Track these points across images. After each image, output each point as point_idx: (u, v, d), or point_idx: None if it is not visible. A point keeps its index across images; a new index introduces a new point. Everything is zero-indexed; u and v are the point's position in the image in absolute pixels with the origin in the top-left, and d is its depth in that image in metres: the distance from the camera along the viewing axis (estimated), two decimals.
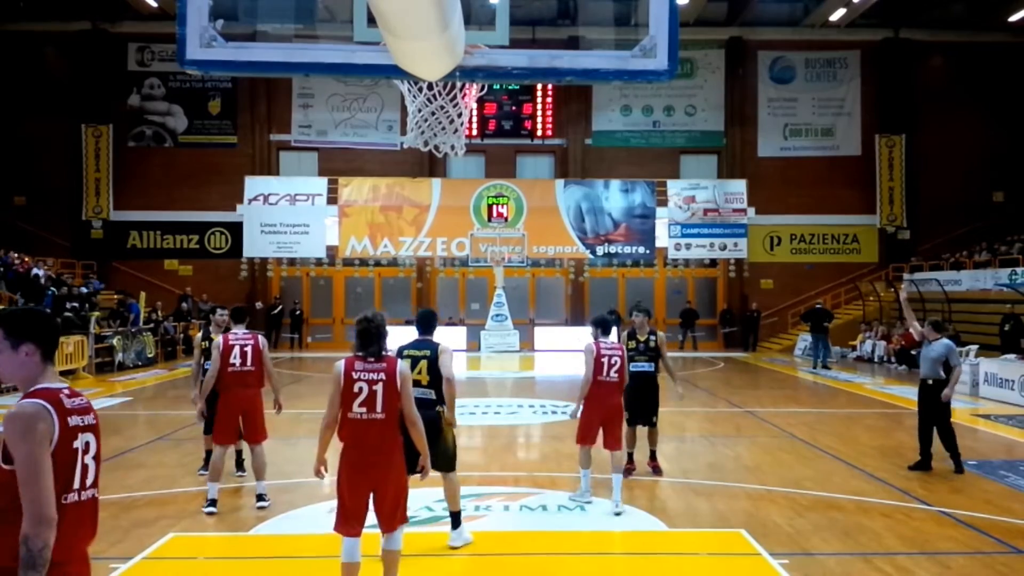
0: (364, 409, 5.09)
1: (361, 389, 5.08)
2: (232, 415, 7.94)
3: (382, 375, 5.12)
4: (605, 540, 7.25)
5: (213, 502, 7.73)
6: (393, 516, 5.22)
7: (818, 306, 24.40)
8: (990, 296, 23.28)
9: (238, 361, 7.93)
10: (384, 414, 5.12)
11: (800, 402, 16.80)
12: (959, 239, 29.31)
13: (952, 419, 10.05)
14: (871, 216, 30.94)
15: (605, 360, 8.06)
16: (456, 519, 6.73)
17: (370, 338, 5.17)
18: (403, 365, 5.28)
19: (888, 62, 30.73)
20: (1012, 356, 17.12)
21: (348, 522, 5.25)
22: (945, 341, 9.88)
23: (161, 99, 30.72)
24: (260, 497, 7.98)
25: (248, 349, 8.00)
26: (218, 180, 29.95)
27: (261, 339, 8.27)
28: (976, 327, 22.75)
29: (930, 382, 9.81)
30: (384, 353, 5.23)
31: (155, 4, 28.30)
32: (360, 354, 5.18)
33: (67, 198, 29.76)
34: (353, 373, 5.11)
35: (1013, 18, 28.86)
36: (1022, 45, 29.05)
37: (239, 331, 8.22)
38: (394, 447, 5.21)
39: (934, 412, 9.77)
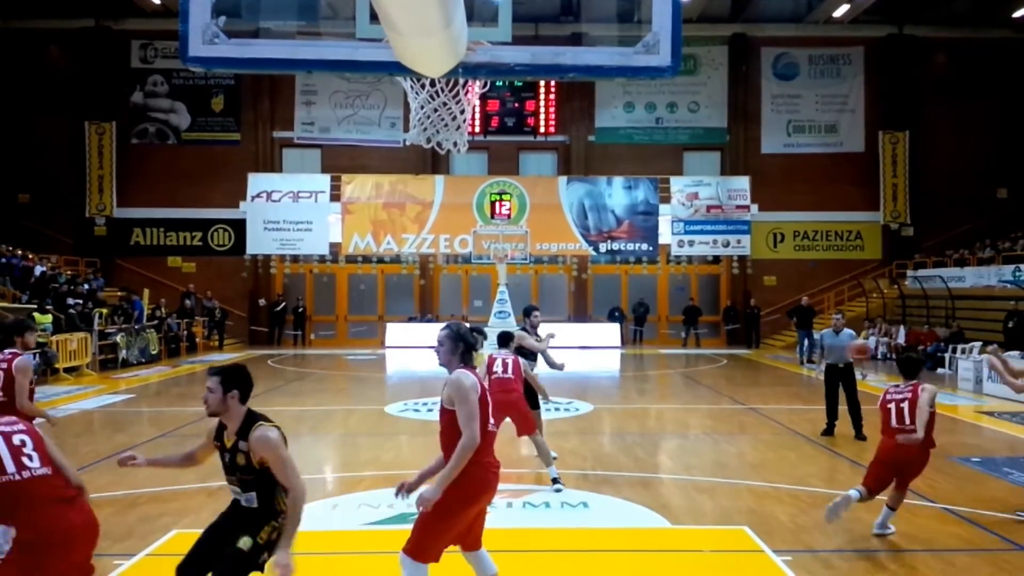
0: None
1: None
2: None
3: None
4: (608, 537, 7.25)
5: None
6: None
7: (804, 302, 24.53)
8: (994, 293, 23.23)
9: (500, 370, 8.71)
10: None
11: (803, 399, 16.75)
12: (963, 235, 29.26)
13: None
14: (874, 213, 30.88)
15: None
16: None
17: None
18: None
19: (891, 58, 30.66)
20: (1016, 353, 17.06)
21: None
22: (849, 331, 12.07)
23: (164, 96, 30.74)
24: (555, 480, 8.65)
25: (509, 361, 8.81)
26: (221, 177, 29.96)
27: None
28: (980, 324, 22.72)
29: (841, 366, 11.84)
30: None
31: (158, 1, 28.30)
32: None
33: (71, 195, 29.78)
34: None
35: (1017, 14, 28.77)
36: None
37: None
38: None
39: (849, 389, 11.79)
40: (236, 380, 4.49)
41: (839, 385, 11.92)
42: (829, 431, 11.95)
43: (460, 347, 4.92)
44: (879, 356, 24.72)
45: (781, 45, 31.11)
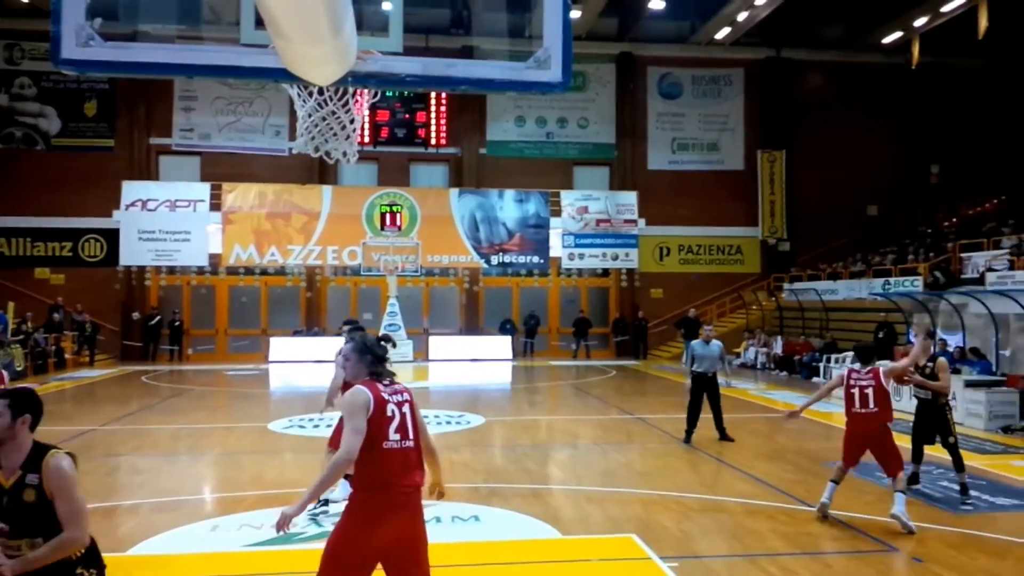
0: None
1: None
2: None
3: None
4: (498, 549, 7.22)
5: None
6: None
7: (691, 314, 25.30)
8: (865, 305, 24.39)
9: None
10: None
11: None
12: (836, 250, 30.70)
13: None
14: (754, 228, 32.11)
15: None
16: None
17: None
18: None
19: (770, 80, 32.03)
20: (886, 362, 17.89)
21: None
22: (718, 343, 12.67)
23: (32, 99, 29.18)
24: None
25: None
26: (94, 185, 28.59)
27: None
28: (852, 334, 23.78)
29: (709, 375, 12.49)
30: None
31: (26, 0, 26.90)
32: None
33: None
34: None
35: (886, 40, 30.46)
36: (895, 65, 30.62)
37: None
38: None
39: (713, 396, 12.53)
40: (28, 404, 3.93)
41: (704, 393, 12.51)
42: (688, 439, 12.38)
43: (368, 358, 4.50)
44: (758, 365, 25.66)
45: (666, 65, 32.04)
